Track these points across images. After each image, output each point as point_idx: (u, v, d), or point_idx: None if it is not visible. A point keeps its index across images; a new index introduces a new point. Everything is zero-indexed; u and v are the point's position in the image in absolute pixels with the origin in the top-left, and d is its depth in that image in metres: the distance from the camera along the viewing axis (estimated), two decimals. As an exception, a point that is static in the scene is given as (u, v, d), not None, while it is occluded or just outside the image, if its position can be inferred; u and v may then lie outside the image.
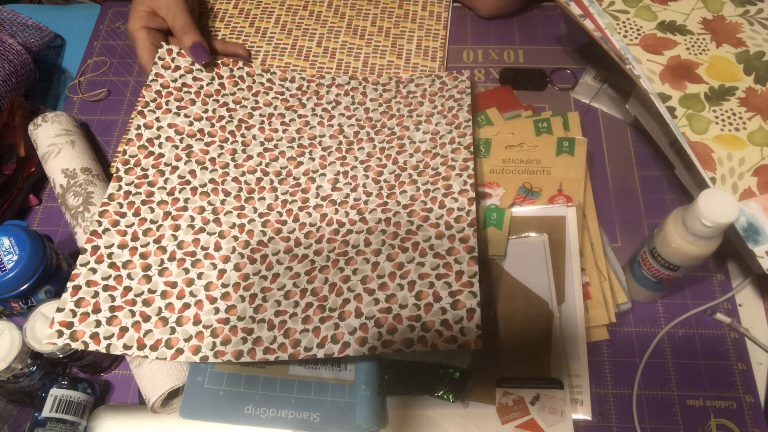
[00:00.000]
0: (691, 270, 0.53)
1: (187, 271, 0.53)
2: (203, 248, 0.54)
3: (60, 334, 0.49)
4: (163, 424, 0.49)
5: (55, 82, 0.73)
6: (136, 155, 0.58)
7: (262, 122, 0.63)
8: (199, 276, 0.53)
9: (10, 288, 0.50)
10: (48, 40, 0.73)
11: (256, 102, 0.64)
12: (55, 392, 0.49)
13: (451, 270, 0.50)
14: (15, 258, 0.49)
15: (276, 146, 0.61)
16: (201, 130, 0.61)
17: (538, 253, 0.54)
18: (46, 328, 0.49)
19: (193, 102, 0.62)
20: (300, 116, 0.63)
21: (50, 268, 0.52)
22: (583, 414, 0.50)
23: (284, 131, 0.62)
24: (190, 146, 0.60)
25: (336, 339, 0.48)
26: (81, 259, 0.52)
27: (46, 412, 0.48)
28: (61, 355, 0.49)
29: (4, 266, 0.49)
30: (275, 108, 0.64)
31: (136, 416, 0.50)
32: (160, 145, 0.59)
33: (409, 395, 0.50)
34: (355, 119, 0.63)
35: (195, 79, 0.64)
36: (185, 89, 0.63)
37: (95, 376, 0.54)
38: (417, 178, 0.57)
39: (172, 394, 0.50)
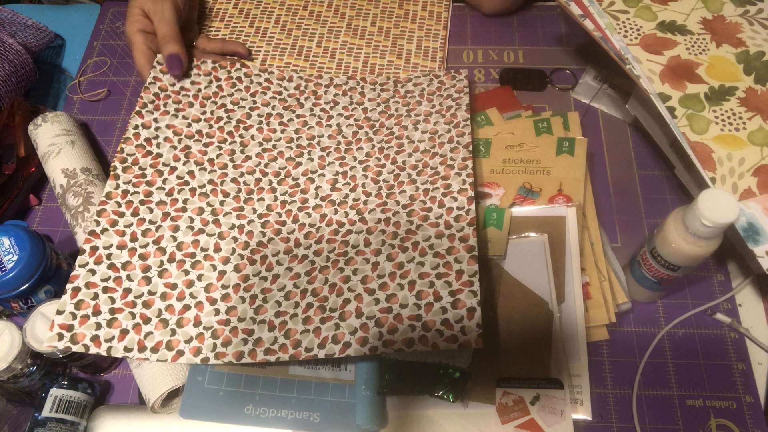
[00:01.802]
0: (691, 270, 0.53)
1: (186, 272, 0.53)
2: (203, 249, 0.54)
3: (60, 337, 0.49)
4: (163, 424, 0.49)
5: (55, 82, 0.73)
6: (134, 154, 0.58)
7: (261, 122, 0.63)
8: (199, 277, 0.53)
9: (10, 288, 0.50)
10: (48, 40, 0.73)
11: (254, 102, 0.64)
12: (55, 392, 0.49)
13: (451, 269, 0.50)
14: (15, 258, 0.49)
15: (275, 147, 0.61)
16: (199, 131, 0.61)
17: (538, 253, 0.54)
18: (46, 328, 0.49)
19: (191, 104, 0.62)
20: (298, 116, 0.63)
21: (50, 268, 0.52)
22: (583, 414, 0.50)
23: (283, 131, 0.62)
24: (188, 147, 0.60)
25: (337, 339, 0.48)
26: (80, 260, 0.52)
27: (46, 412, 0.48)
28: (61, 355, 0.49)
29: (4, 266, 0.49)
30: (273, 108, 0.64)
31: (136, 416, 0.50)
32: (158, 146, 0.59)
33: (409, 395, 0.50)
34: (353, 119, 0.63)
35: (193, 83, 0.64)
36: (183, 92, 0.63)
37: (95, 376, 0.54)
38: (416, 178, 0.57)
39: (172, 394, 0.50)
